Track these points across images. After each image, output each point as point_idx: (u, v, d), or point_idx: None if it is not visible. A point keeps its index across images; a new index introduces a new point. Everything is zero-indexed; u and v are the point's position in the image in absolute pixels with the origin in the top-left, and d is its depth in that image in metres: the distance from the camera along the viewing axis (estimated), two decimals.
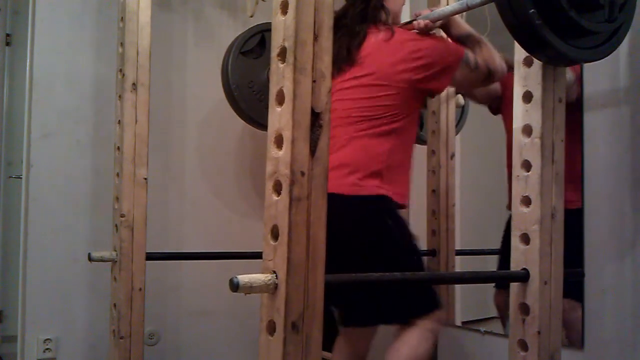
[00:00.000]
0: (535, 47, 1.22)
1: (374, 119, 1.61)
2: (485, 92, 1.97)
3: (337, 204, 1.57)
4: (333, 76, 1.70)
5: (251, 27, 2.28)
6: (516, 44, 1.29)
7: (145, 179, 1.94)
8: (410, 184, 1.74)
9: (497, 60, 1.70)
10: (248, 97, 2.25)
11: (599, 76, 1.65)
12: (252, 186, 2.64)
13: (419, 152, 2.29)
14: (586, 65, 1.67)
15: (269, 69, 2.32)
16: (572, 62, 1.29)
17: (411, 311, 1.60)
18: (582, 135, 1.68)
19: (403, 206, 1.69)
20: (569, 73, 1.61)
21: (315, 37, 0.96)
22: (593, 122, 1.67)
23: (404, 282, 1.40)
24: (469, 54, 1.66)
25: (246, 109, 2.26)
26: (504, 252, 1.96)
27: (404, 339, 1.59)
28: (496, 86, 1.91)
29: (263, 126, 2.24)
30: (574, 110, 1.63)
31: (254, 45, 2.27)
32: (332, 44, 1.00)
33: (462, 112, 2.26)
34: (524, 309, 1.29)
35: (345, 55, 1.67)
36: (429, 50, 1.61)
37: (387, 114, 1.61)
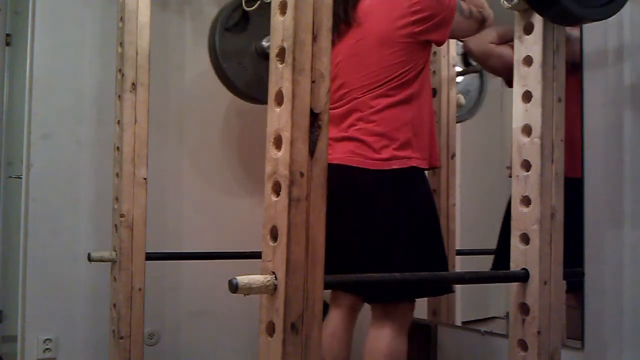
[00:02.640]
0: (541, 3, 1.20)
1: (387, 81, 1.61)
2: (503, 63, 1.97)
3: (367, 177, 1.59)
4: (333, 40, 1.70)
5: (231, 2, 2.22)
6: (516, 42, 1.29)
7: (145, 179, 1.94)
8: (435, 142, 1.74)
9: (487, 6, 1.74)
10: (238, 73, 2.18)
11: (599, 76, 1.65)
12: (252, 186, 2.64)
13: None
14: (587, 63, 1.67)
15: (258, 39, 2.18)
16: (576, 19, 1.27)
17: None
18: (582, 98, 1.67)
19: (433, 167, 1.74)
20: (573, 30, 1.62)
21: (314, 38, 0.96)
22: (593, 121, 1.66)
23: (403, 282, 1.40)
24: (461, 3, 1.69)
25: (240, 85, 2.19)
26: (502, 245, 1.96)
27: (379, 334, 1.63)
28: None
29: (257, 100, 2.22)
30: (574, 72, 1.63)
31: (238, 20, 2.21)
32: None
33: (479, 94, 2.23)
34: (524, 309, 1.29)
35: (342, 15, 1.68)
36: (426, 3, 1.61)
37: (399, 73, 1.61)
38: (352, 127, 1.64)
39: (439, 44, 1.73)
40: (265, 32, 2.16)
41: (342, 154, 1.65)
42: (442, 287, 1.71)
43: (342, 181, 1.61)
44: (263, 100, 2.21)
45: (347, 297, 1.80)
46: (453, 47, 2.20)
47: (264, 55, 2.18)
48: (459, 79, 2.19)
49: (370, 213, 1.61)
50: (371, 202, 1.61)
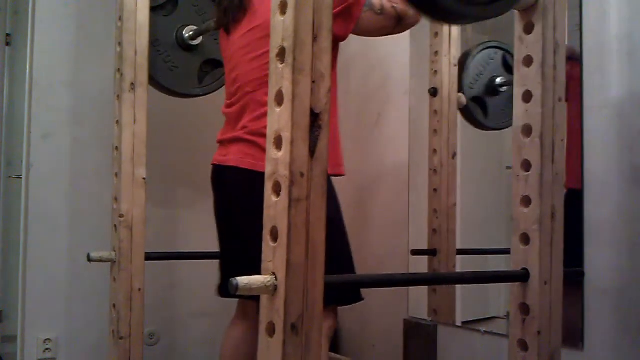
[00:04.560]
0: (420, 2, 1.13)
1: None
2: None
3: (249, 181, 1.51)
4: (228, 27, 1.62)
5: None
6: (516, 42, 1.29)
7: (144, 179, 1.94)
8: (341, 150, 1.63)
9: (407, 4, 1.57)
10: (153, 59, 2.04)
11: (600, 76, 1.65)
12: None
13: (421, 151, 2.29)
14: (587, 64, 1.67)
15: (180, 27, 2.07)
16: (458, 18, 1.20)
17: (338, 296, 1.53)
18: (582, 98, 1.66)
19: (336, 175, 1.60)
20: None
21: (315, 38, 0.96)
22: (593, 122, 1.66)
23: (404, 283, 1.40)
24: None
25: (151, 72, 2.04)
26: None
27: None
28: None
29: (170, 91, 2.15)
30: None
31: (165, 1, 2.10)
32: None
33: None
34: (524, 309, 1.29)
35: (237, 2, 1.59)
36: None
37: None
38: (245, 128, 1.58)
39: (340, 38, 1.56)
40: (192, 20, 2.12)
41: (234, 155, 1.60)
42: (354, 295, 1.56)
43: (235, 183, 1.57)
44: (178, 93, 2.16)
45: (256, 307, 1.65)
46: (454, 47, 2.20)
47: (184, 45, 2.12)
48: (505, 87, 2.18)
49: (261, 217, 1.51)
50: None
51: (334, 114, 1.62)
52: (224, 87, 1.86)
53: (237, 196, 1.61)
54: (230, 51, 1.65)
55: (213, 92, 2.23)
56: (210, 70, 2.21)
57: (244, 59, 1.58)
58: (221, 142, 1.72)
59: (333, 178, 1.57)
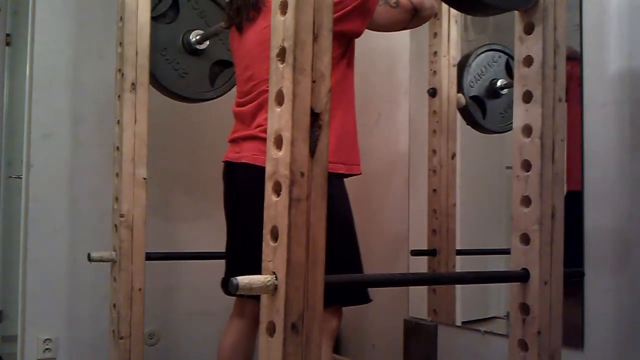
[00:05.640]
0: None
1: None
2: None
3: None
4: (241, 26, 1.63)
5: None
6: (516, 42, 1.29)
7: (145, 179, 1.94)
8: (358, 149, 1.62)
9: None
10: (161, 65, 2.06)
11: (600, 75, 1.65)
12: None
13: (421, 151, 2.29)
14: (587, 64, 1.67)
15: (185, 33, 2.09)
16: (491, 10, 1.23)
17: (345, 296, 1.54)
18: (582, 98, 1.66)
19: (352, 175, 1.61)
20: None
21: (315, 37, 0.96)
22: (593, 122, 1.67)
23: (404, 283, 1.40)
24: None
25: (160, 78, 2.07)
26: None
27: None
28: None
29: (178, 96, 2.15)
30: None
31: (166, 9, 2.09)
32: None
33: None
34: (524, 309, 1.29)
35: (253, 0, 1.59)
36: None
37: None
38: (260, 127, 1.57)
39: (355, 35, 1.55)
40: (195, 24, 2.12)
41: (248, 152, 1.59)
42: (361, 295, 1.57)
43: (249, 180, 1.57)
44: (192, 99, 2.17)
45: (255, 305, 1.64)
46: (453, 47, 2.21)
47: (191, 50, 2.12)
48: (505, 90, 2.19)
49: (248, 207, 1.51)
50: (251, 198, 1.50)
51: (351, 112, 1.61)
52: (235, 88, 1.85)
53: (250, 193, 1.57)
54: (244, 50, 1.65)
55: (225, 93, 2.21)
56: (220, 72, 2.20)
57: (259, 57, 1.57)
58: (234, 141, 1.70)
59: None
